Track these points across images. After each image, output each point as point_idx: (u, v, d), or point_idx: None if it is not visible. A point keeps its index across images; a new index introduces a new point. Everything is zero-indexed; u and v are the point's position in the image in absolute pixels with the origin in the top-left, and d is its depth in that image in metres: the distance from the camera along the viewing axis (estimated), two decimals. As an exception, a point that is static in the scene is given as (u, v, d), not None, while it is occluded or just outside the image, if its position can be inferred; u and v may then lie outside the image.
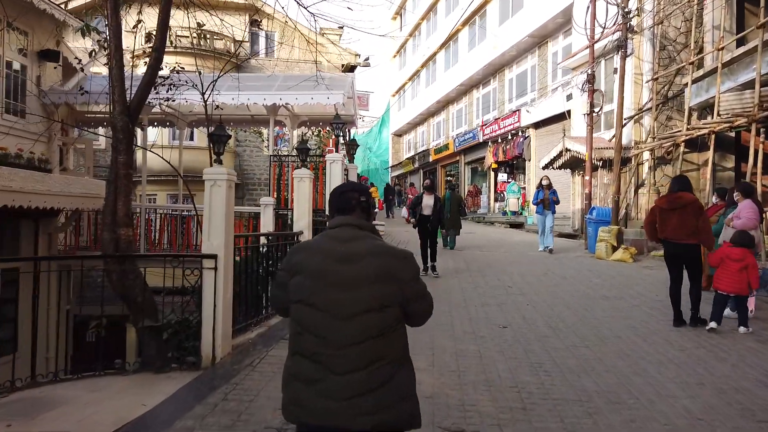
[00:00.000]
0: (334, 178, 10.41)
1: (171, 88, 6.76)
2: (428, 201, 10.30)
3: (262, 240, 7.05)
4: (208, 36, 18.77)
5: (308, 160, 11.60)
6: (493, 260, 11.81)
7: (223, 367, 4.94)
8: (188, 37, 18.54)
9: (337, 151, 10.72)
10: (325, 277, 2.09)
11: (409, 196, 26.03)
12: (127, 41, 18.37)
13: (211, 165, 5.21)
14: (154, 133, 18.85)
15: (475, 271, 10.31)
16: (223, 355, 5.08)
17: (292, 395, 2.11)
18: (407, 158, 41.22)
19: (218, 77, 7.47)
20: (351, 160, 16.57)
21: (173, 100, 7.34)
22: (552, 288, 8.83)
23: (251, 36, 19.75)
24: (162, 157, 7.68)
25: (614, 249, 12.44)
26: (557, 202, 12.99)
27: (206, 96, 7.87)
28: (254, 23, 19.40)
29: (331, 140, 19.87)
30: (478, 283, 9.16)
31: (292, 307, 2.15)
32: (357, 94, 22.05)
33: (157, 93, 6.66)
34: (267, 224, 10.18)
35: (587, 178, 14.33)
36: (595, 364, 5.10)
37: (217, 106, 8.57)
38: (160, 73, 6.81)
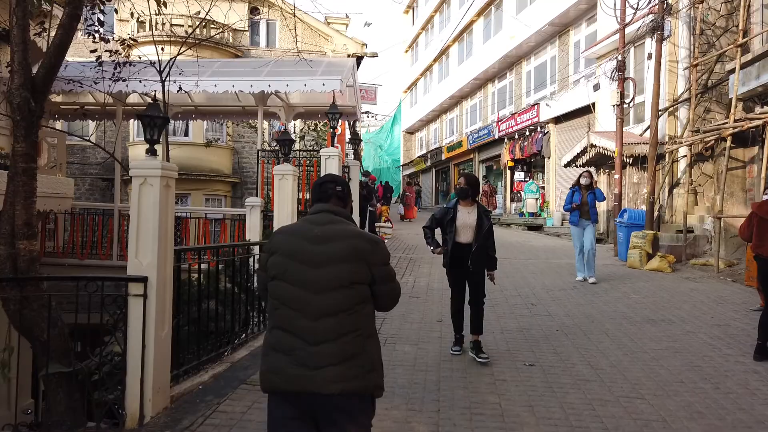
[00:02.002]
0: (329, 176, 9.08)
1: (120, 66, 5.50)
2: (466, 218, 5.34)
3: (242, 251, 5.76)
4: (204, 25, 17.61)
5: (298, 154, 10.33)
6: (512, 269, 10.42)
7: (153, 431, 3.64)
8: (182, 26, 17.40)
9: (333, 146, 9.39)
10: (300, 255, 2.27)
11: (407, 194, 24.37)
12: (118, 29, 17.12)
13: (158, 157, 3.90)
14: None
15: (490, 283, 8.91)
16: (155, 412, 3.78)
17: (271, 365, 2.23)
18: (419, 156, 39.85)
19: (176, 56, 6.17)
20: (357, 156, 15.27)
21: (123, 80, 6.05)
22: (584, 306, 7.44)
23: (251, 25, 18.52)
24: (90, 142, 6.39)
25: (649, 257, 10.99)
26: (601, 197, 9.17)
27: (176, 82, 6.60)
28: (254, 11, 18.17)
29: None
30: (495, 300, 7.77)
31: (271, 284, 2.31)
32: (365, 87, 20.80)
33: (103, 71, 5.39)
34: (253, 228, 8.91)
35: (617, 176, 12.86)
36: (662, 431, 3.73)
37: (179, 89, 7.26)
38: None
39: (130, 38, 5.97)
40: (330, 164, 9.06)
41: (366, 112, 57.25)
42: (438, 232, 5.53)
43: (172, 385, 4.10)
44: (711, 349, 5.60)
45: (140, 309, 3.75)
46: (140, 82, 7.06)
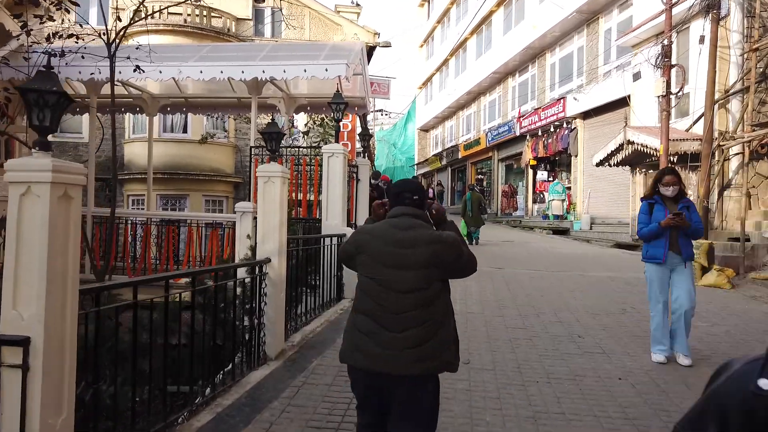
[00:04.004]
0: (333, 177, 7.78)
1: (53, 38, 4.22)
2: None
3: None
4: (204, 13, 16.40)
5: (297, 152, 9.06)
6: (546, 285, 9.01)
7: None
8: (180, 14, 16.19)
9: (339, 141, 8.08)
10: (385, 258, 2.58)
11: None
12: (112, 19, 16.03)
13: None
14: (145, 123, 16.51)
15: (524, 306, 7.54)
16: None
17: (358, 343, 2.56)
18: (434, 155, 38.40)
19: (126, 27, 4.84)
20: (368, 155, 13.92)
21: (56, 55, 4.74)
22: (644, 339, 6.01)
23: (255, 13, 17.25)
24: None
25: (704, 270, 9.51)
26: (698, 231, 5.19)
27: (139, 64, 5.29)
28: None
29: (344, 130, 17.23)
30: (533, 328, 6.38)
31: (360, 276, 2.68)
32: (377, 80, 19.45)
33: (30, 44, 4.10)
34: (244, 238, 7.61)
35: (662, 177, 11.35)
36: None
37: (135, 69, 5.93)
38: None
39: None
40: (333, 163, 7.74)
41: (380, 110, 55.81)
42: None
43: (81, 489, 2.78)
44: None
45: (18, 386, 2.43)
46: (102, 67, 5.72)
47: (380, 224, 2.73)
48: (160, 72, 7.94)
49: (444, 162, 35.57)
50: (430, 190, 32.61)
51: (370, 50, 17.76)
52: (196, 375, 4.13)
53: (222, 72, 7.97)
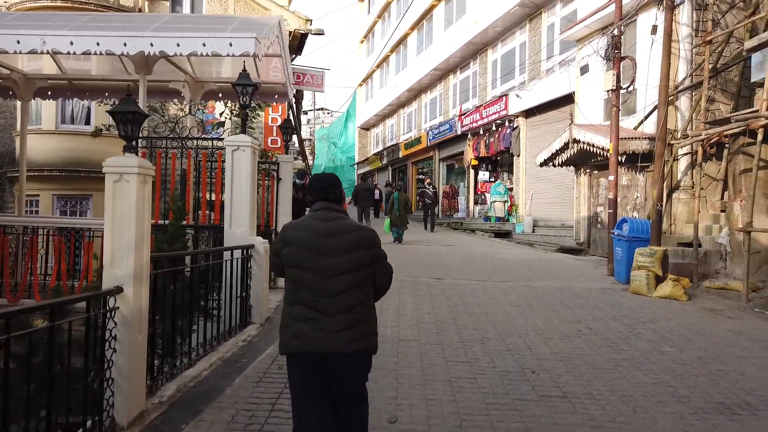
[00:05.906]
0: (239, 176, 6.40)
1: None
2: None
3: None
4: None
5: (194, 144, 7.64)
6: (489, 300, 7.94)
7: None
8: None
9: (244, 133, 6.68)
10: (314, 247, 2.78)
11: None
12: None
13: None
14: (41, 113, 14.40)
15: (466, 328, 6.40)
16: None
17: (294, 331, 2.73)
18: (374, 154, 37.24)
19: None
20: (302, 151, 12.51)
21: None
22: (608, 373, 4.98)
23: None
24: None
25: (658, 279, 8.72)
26: None
27: None
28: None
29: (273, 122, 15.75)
30: (478, 361, 5.22)
31: (288, 269, 2.83)
32: (310, 71, 18.01)
33: None
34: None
35: (611, 178, 10.59)
36: None
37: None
38: None
39: None
40: (238, 158, 6.36)
41: (321, 108, 53.59)
42: None
43: None
44: None
45: None
46: None
47: (304, 218, 2.95)
48: (18, 42, 6.32)
49: (385, 161, 34.48)
50: (377, 191, 31.25)
51: (302, 38, 16.36)
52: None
53: (98, 44, 6.38)
